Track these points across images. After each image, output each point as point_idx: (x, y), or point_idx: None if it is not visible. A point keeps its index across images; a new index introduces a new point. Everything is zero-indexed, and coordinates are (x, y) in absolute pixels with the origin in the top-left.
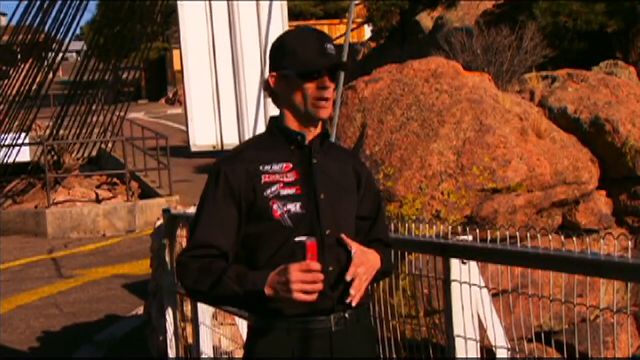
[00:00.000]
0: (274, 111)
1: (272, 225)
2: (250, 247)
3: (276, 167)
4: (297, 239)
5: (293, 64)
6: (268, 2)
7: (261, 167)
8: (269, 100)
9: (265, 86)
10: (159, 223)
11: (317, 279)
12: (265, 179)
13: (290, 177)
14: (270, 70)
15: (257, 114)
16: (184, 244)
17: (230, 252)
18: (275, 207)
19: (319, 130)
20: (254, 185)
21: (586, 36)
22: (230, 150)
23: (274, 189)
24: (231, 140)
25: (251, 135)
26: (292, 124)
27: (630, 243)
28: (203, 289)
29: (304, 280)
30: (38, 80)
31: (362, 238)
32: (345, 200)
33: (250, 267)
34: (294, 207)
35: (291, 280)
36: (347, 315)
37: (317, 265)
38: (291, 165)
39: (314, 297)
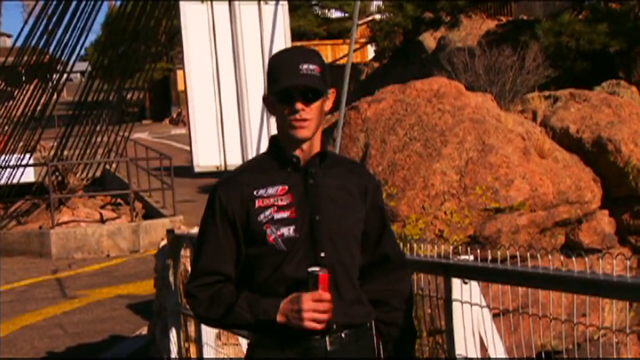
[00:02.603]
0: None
1: (267, 249)
2: (248, 268)
3: (271, 191)
4: (309, 269)
5: (271, 86)
6: (271, 24)
7: (255, 192)
8: (272, 120)
9: None
10: (162, 243)
11: (328, 308)
12: (258, 203)
13: (285, 200)
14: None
15: (260, 135)
16: (188, 264)
17: (234, 275)
18: (268, 231)
19: (317, 149)
20: (248, 209)
21: (588, 56)
22: (228, 172)
23: (267, 212)
24: (234, 161)
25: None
26: (284, 143)
27: (628, 262)
28: (215, 316)
29: (316, 309)
30: (42, 101)
31: (370, 253)
32: (345, 219)
33: (247, 288)
34: (287, 231)
35: (303, 309)
36: (342, 335)
37: (328, 296)
38: (286, 188)
39: (323, 325)
